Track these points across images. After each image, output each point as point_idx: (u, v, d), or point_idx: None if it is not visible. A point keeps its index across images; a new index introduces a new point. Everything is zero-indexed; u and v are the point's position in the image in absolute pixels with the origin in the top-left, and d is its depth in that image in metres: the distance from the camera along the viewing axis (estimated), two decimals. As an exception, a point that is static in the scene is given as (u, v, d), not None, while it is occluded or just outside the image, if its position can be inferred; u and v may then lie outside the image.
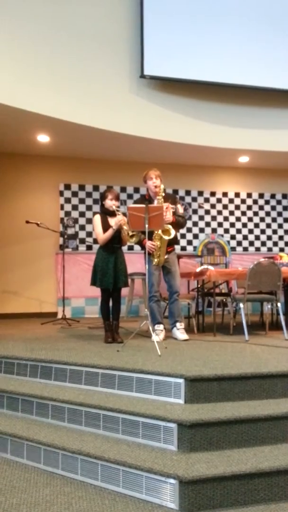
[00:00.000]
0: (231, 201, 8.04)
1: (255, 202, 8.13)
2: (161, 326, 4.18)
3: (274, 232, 8.15)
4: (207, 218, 7.89)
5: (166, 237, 3.95)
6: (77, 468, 2.34)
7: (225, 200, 8.01)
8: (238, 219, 8.04)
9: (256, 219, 8.10)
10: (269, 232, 8.13)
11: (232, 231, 7.98)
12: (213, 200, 7.95)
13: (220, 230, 7.92)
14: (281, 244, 8.16)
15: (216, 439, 2.31)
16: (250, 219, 8.08)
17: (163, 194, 4.09)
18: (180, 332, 4.17)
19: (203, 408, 2.46)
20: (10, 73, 5.22)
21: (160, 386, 2.65)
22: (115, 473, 2.22)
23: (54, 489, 2.22)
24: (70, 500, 2.10)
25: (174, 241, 4.27)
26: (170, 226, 3.95)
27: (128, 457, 2.23)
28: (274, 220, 8.17)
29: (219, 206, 7.97)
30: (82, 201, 7.35)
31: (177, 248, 7.15)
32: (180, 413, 2.37)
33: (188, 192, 7.78)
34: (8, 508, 2.02)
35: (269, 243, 8.11)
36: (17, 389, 2.94)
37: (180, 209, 4.28)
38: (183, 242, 7.70)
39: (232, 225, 8.00)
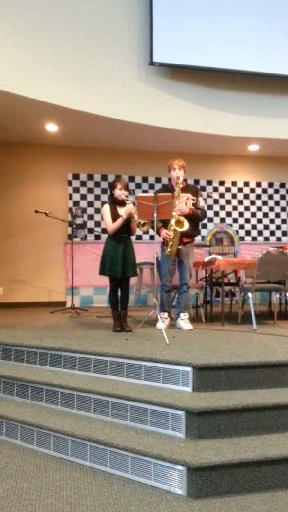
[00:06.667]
0: (240, 190, 7.96)
1: (264, 191, 8.05)
2: (165, 314, 4.28)
3: (284, 221, 8.08)
4: (216, 207, 7.84)
5: (178, 229, 3.95)
6: (86, 455, 2.37)
7: (234, 190, 7.94)
8: (247, 208, 7.97)
9: (265, 209, 8.03)
10: (278, 221, 8.06)
11: (241, 220, 7.93)
12: (222, 189, 7.89)
13: (229, 220, 7.87)
14: (290, 233, 8.11)
15: (224, 426, 2.32)
16: (259, 209, 8.01)
17: (181, 186, 4.07)
18: (184, 322, 4.21)
19: (211, 396, 2.47)
20: (18, 62, 5.19)
21: (168, 374, 2.67)
22: (124, 459, 2.24)
23: (64, 475, 2.25)
24: (79, 485, 2.14)
25: (192, 233, 4.27)
26: (183, 218, 3.95)
27: (137, 443, 2.25)
28: (283, 209, 8.09)
29: (228, 196, 7.91)
30: (90, 190, 7.34)
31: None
32: (188, 400, 2.39)
33: (196, 181, 7.72)
34: (19, 492, 2.06)
35: (278, 233, 8.05)
36: (27, 377, 2.98)
37: (201, 202, 4.29)
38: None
39: (241, 214, 7.94)
